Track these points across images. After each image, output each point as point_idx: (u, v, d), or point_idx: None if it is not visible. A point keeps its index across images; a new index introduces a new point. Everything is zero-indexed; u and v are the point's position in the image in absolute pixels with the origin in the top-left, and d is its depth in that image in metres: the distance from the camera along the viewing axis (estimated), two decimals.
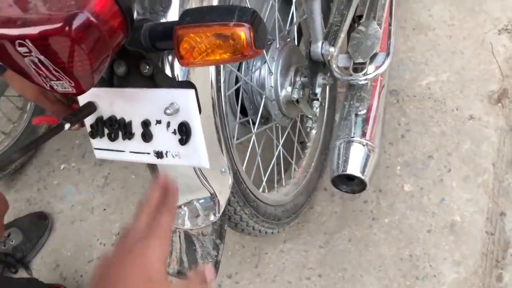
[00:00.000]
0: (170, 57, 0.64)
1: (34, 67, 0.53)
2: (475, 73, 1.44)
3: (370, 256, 1.18)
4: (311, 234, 1.24)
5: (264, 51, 0.96)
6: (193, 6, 0.64)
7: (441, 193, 1.24)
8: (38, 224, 1.35)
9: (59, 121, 0.65)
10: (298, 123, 1.21)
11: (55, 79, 0.54)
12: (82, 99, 0.69)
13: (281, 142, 1.12)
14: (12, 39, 0.50)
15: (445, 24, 1.58)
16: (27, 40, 0.49)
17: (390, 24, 0.99)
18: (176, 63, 0.64)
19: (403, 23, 1.61)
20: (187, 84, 0.61)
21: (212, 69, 0.73)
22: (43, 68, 0.53)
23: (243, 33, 0.52)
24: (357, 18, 1.10)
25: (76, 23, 0.47)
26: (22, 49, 0.51)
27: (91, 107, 0.68)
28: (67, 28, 0.47)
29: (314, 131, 1.31)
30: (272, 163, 1.09)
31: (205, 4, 0.67)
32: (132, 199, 1.39)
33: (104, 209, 1.39)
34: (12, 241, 1.29)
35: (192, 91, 0.60)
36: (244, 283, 1.20)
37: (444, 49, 1.52)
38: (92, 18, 0.48)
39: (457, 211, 1.21)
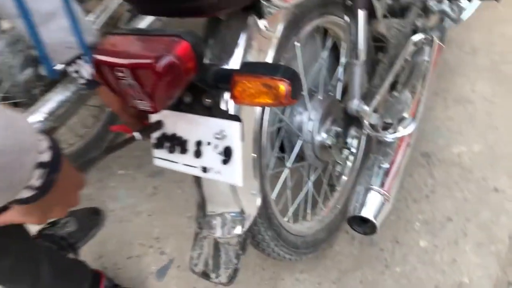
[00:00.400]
0: (226, 96, 0.81)
1: (125, 88, 0.72)
2: (507, 150, 1.54)
3: None
4: (327, 269, 1.36)
5: (307, 100, 1.13)
6: (251, 60, 0.82)
7: (453, 254, 1.33)
8: (92, 218, 1.55)
9: (133, 132, 0.83)
10: (330, 167, 1.35)
11: (139, 99, 0.72)
12: (154, 117, 0.87)
13: (311, 180, 1.26)
14: (113, 65, 0.69)
15: (485, 100, 1.69)
16: (125, 68, 0.68)
17: (421, 94, 1.13)
18: (230, 101, 0.81)
19: (445, 94, 1.74)
20: (235, 118, 0.78)
21: (258, 109, 0.90)
22: (132, 90, 0.71)
23: (283, 86, 0.68)
24: (394, 84, 1.24)
25: (163, 62, 0.65)
26: (120, 74, 0.70)
27: (160, 124, 0.86)
28: (156, 65, 0.65)
29: (345, 178, 1.44)
30: (299, 198, 1.24)
31: (260, 59, 0.84)
32: (175, 210, 1.56)
33: (149, 215, 1.58)
34: (68, 228, 1.48)
35: (238, 123, 0.77)
36: None
37: (480, 123, 1.63)
38: (174, 60, 0.66)
39: (466, 273, 1.29)
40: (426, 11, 1.40)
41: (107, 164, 1.78)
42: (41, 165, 0.51)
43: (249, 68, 0.72)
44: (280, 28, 0.90)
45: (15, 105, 1.54)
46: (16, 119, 0.48)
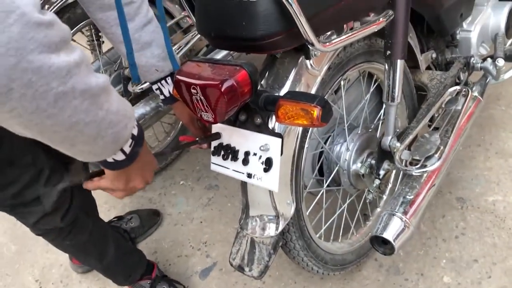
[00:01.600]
0: (273, 118, 1.01)
1: (195, 101, 0.93)
2: None
3: None
4: None
5: (347, 132, 1.30)
6: (295, 90, 1.01)
7: None
8: (152, 218, 1.78)
9: (197, 139, 1.05)
10: (365, 196, 1.49)
11: (204, 111, 0.93)
12: (214, 129, 1.08)
13: (345, 205, 1.41)
14: (190, 84, 0.91)
15: None
16: (198, 87, 0.90)
17: (449, 138, 1.27)
18: (276, 122, 1.00)
19: (488, 146, 1.83)
20: (278, 135, 0.97)
21: (299, 132, 1.08)
22: (200, 104, 0.92)
23: (316, 111, 0.87)
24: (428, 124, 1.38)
25: (225, 84, 0.86)
26: (193, 91, 0.91)
27: (218, 135, 1.07)
28: (220, 86, 0.86)
29: (379, 209, 1.58)
30: (332, 218, 1.39)
31: (302, 90, 1.03)
32: (223, 221, 1.76)
33: (201, 222, 1.78)
34: (132, 223, 1.72)
35: (279, 140, 0.96)
36: None
37: None
38: (235, 84, 0.87)
39: None
40: (468, 67, 1.54)
41: (171, 174, 2.02)
42: (132, 136, 0.73)
43: (291, 95, 0.92)
44: (325, 68, 1.09)
45: None
46: (122, 97, 0.71)
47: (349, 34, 1.00)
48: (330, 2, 0.95)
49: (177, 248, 1.71)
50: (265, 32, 0.88)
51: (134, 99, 1.74)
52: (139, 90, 1.63)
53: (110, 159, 0.74)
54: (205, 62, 0.95)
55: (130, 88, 1.67)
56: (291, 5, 0.83)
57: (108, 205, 1.94)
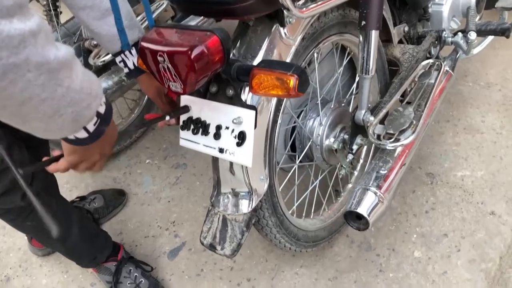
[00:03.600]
0: (246, 89, 0.96)
1: (162, 70, 0.87)
2: (507, 178, 1.62)
3: None
4: (324, 268, 1.47)
5: (320, 106, 1.26)
6: (270, 59, 0.96)
7: (445, 267, 1.42)
8: (117, 198, 1.71)
9: (164, 115, 0.98)
10: (337, 172, 1.47)
11: (172, 81, 0.87)
12: (183, 103, 1.02)
13: (317, 181, 1.39)
14: (156, 51, 0.84)
15: (493, 131, 1.78)
16: (165, 54, 0.83)
17: (422, 112, 1.25)
18: (249, 94, 0.95)
19: (456, 122, 1.84)
20: (252, 107, 0.92)
21: (273, 105, 1.03)
22: (167, 73, 0.86)
23: (292, 80, 0.82)
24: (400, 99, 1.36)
25: (195, 51, 0.80)
26: (160, 59, 0.84)
27: (186, 109, 1.01)
28: (189, 52, 0.80)
29: (350, 185, 1.56)
30: (305, 195, 1.36)
31: (277, 59, 0.98)
32: (192, 199, 1.71)
33: (169, 201, 1.72)
34: (95, 204, 1.65)
35: (253, 112, 0.91)
36: None
37: (486, 151, 1.72)
38: (205, 50, 0.81)
39: (455, 286, 1.38)
40: (440, 41, 1.52)
41: (136, 153, 1.94)
42: (98, 114, 0.66)
43: (266, 64, 0.86)
44: (299, 38, 1.04)
45: None
46: (89, 72, 0.64)
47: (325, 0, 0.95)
48: None
49: (144, 228, 1.65)
50: None
51: (96, 72, 1.63)
52: (101, 63, 1.53)
53: (71, 136, 0.68)
54: (173, 28, 0.89)
55: (91, 61, 1.57)
56: None
57: (70, 185, 1.85)
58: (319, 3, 0.94)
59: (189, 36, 0.84)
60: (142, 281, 1.41)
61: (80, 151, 0.75)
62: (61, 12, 1.75)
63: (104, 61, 1.51)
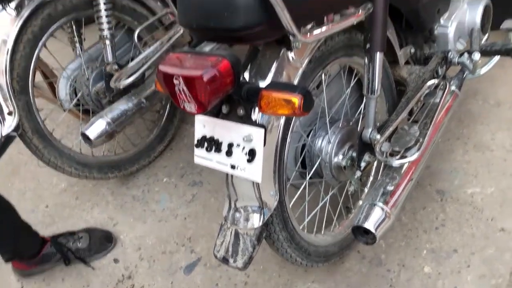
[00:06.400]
0: (256, 108, 1.02)
1: (178, 92, 0.94)
2: None
3: None
4: (336, 283, 1.50)
5: (328, 125, 1.32)
6: (278, 81, 1.03)
7: (455, 282, 1.44)
8: (102, 243, 1.72)
9: None
10: (346, 189, 1.51)
11: (187, 102, 0.94)
12: (197, 121, 1.09)
13: (327, 197, 1.43)
14: (172, 75, 0.91)
15: (503, 148, 1.81)
16: (180, 77, 0.90)
17: (428, 130, 1.30)
18: (259, 113, 1.02)
19: (466, 140, 1.87)
20: (261, 126, 0.98)
21: (282, 124, 1.10)
22: (182, 94, 0.93)
23: (297, 100, 0.88)
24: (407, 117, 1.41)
25: (208, 74, 0.87)
26: (176, 82, 0.92)
27: None
28: (202, 76, 0.87)
29: (361, 202, 1.60)
30: (315, 211, 1.41)
31: (285, 81, 1.05)
32: (207, 216, 1.77)
33: (185, 218, 1.79)
34: (79, 244, 1.67)
35: (262, 130, 0.98)
36: None
37: (496, 168, 1.74)
38: (217, 74, 0.88)
39: None
40: (446, 61, 1.57)
41: (154, 172, 2.02)
42: None
43: (273, 86, 0.93)
44: (306, 61, 1.11)
45: (86, 111, 1.83)
46: None
47: (330, 25, 1.02)
48: None
49: (161, 244, 1.71)
50: (247, 23, 0.90)
51: (116, 95, 1.73)
52: (122, 87, 1.62)
53: None
54: (188, 53, 0.96)
55: (112, 84, 1.66)
56: None
57: (91, 203, 1.93)
58: (324, 29, 1.01)
59: (202, 61, 0.91)
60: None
61: None
62: (84, 39, 1.86)
63: (125, 84, 1.60)
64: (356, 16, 1.08)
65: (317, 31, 0.99)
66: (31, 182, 2.09)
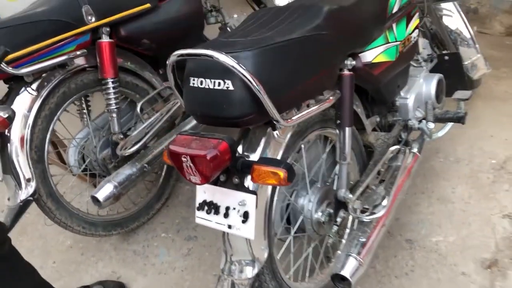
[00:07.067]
0: (248, 177, 1.25)
1: (185, 168, 1.16)
2: (475, 242, 1.88)
3: None
4: None
5: (308, 186, 1.55)
6: (268, 156, 1.26)
7: None
8: None
9: None
10: (326, 242, 1.72)
11: (193, 175, 1.16)
12: (199, 190, 1.30)
13: (310, 249, 1.64)
14: (181, 153, 1.14)
15: (462, 201, 2.06)
16: (188, 156, 1.13)
17: (391, 189, 1.54)
18: (251, 182, 1.24)
19: (430, 193, 2.13)
20: (253, 192, 1.21)
21: (269, 189, 1.32)
22: (189, 169, 1.15)
23: (282, 173, 1.11)
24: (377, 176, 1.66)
25: (211, 154, 1.10)
26: (184, 159, 1.14)
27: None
28: (206, 155, 1.10)
29: (340, 252, 1.82)
30: (299, 261, 1.61)
31: (274, 156, 1.28)
32: (203, 268, 1.95)
33: (182, 270, 1.97)
34: None
35: (254, 196, 1.20)
36: None
37: (457, 219, 1.99)
38: (218, 154, 1.11)
39: None
40: (407, 128, 1.84)
41: (153, 227, 2.21)
42: None
43: (263, 161, 1.17)
44: (288, 136, 1.35)
45: (94, 176, 2.03)
46: None
47: (307, 111, 1.27)
48: (290, 87, 1.22)
49: None
50: (242, 113, 1.14)
51: (121, 161, 1.95)
52: (127, 154, 1.84)
53: None
54: (193, 135, 1.19)
55: (118, 151, 1.88)
56: (260, 93, 1.09)
57: (96, 258, 2.10)
58: (302, 113, 1.26)
59: (205, 142, 1.15)
60: None
61: None
62: (91, 111, 2.09)
63: (130, 152, 1.82)
64: (328, 101, 1.34)
65: (296, 116, 1.24)
66: (39, 240, 2.26)
